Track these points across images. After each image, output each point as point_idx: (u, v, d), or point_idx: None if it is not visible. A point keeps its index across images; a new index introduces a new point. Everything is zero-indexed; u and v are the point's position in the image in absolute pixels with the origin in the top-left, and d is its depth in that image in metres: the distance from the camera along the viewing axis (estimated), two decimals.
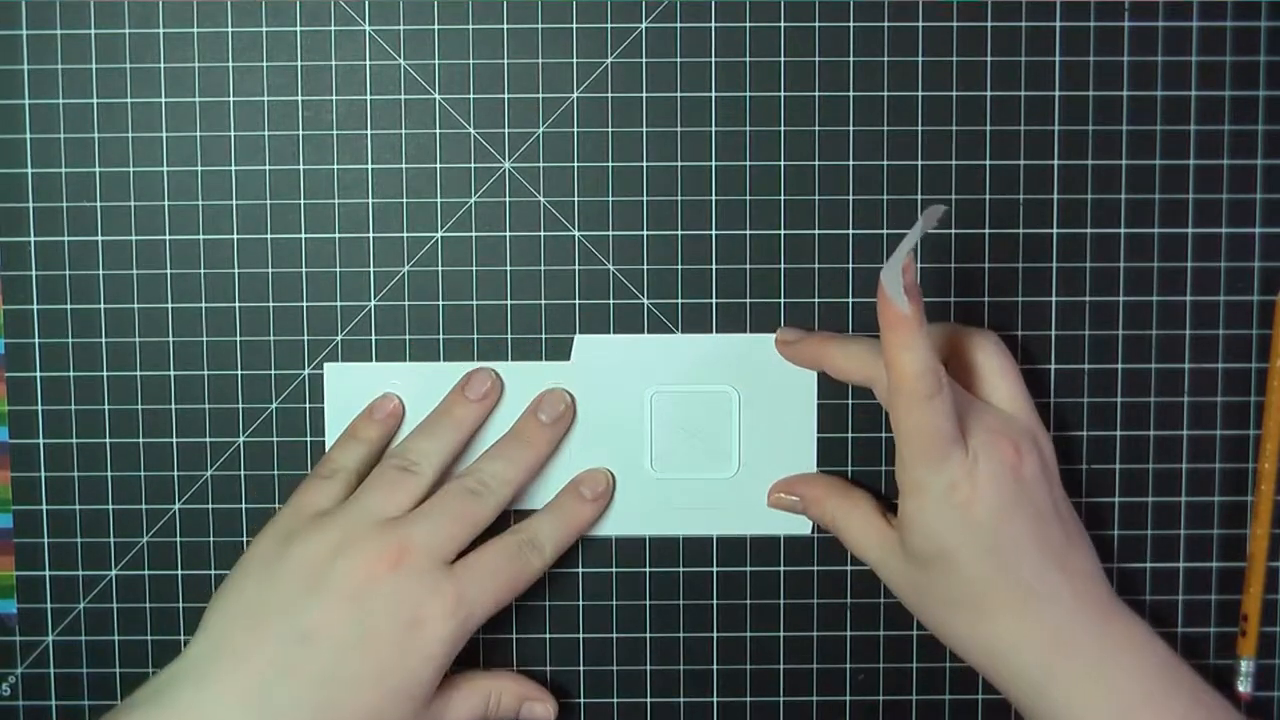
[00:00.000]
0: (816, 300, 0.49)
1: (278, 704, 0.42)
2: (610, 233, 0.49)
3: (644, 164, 0.49)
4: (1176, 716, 0.43)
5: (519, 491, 0.48)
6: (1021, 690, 0.44)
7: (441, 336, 0.49)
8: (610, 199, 0.49)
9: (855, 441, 0.50)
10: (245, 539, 0.50)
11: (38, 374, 0.49)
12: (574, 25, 0.49)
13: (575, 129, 0.49)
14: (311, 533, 0.45)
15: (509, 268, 0.49)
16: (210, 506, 0.50)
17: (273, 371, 0.49)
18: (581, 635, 0.50)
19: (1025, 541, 0.43)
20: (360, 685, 0.43)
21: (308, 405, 0.49)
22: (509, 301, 0.49)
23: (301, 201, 0.49)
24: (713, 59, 0.49)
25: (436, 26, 0.49)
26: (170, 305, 0.49)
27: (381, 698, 0.43)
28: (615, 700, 0.50)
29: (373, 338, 0.49)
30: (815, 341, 0.48)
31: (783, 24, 0.49)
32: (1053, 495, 0.45)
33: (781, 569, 0.50)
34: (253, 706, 0.42)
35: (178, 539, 0.50)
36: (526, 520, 0.48)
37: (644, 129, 0.49)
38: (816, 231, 0.49)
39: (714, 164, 0.49)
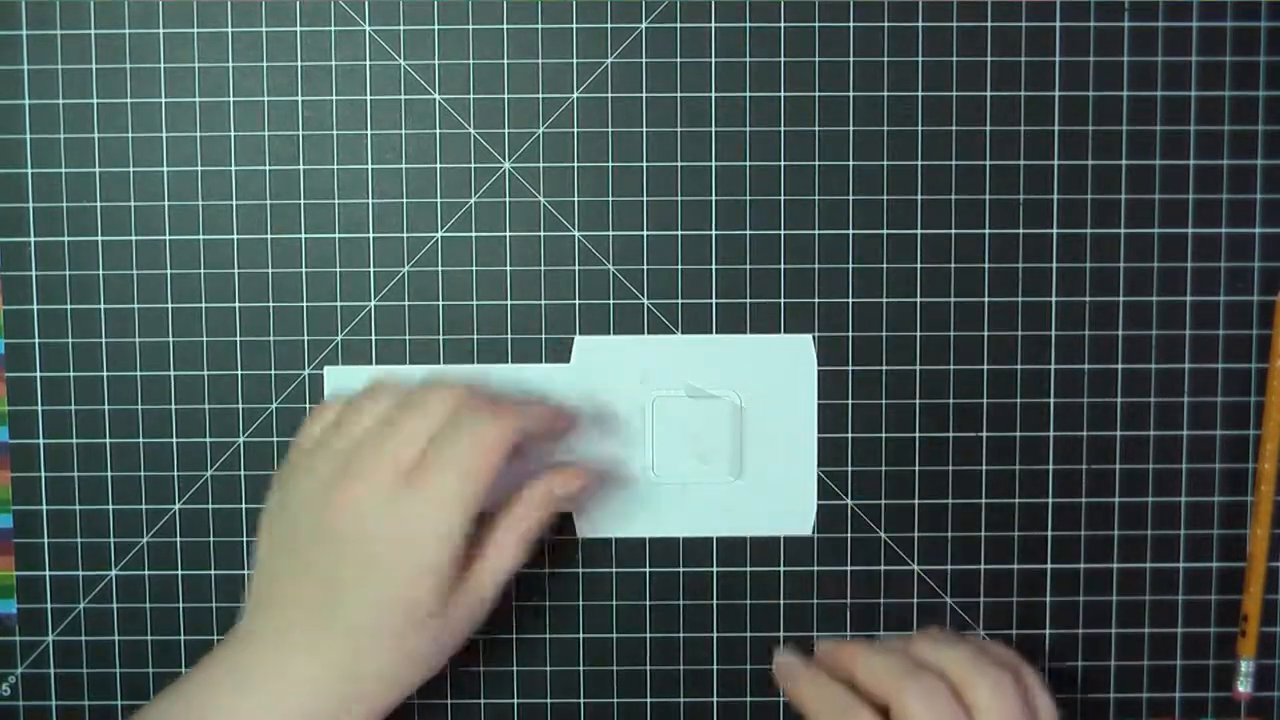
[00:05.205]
0: (816, 300, 0.49)
1: (326, 645, 0.43)
2: (610, 233, 0.49)
3: (644, 164, 0.49)
4: None
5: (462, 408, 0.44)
6: None
7: (441, 337, 0.49)
8: (610, 199, 0.49)
9: (855, 441, 0.50)
10: (245, 539, 0.50)
11: (38, 374, 0.49)
12: (574, 25, 0.49)
13: (575, 129, 0.49)
14: (295, 481, 0.44)
15: (509, 268, 0.49)
16: (210, 506, 0.50)
17: (273, 372, 0.49)
18: (581, 635, 0.50)
19: None
20: (377, 624, 0.42)
21: (308, 406, 0.49)
22: (509, 302, 0.49)
23: (301, 201, 0.49)
24: (713, 59, 0.49)
25: (436, 26, 0.49)
26: (170, 305, 0.49)
27: (404, 631, 0.43)
28: (615, 700, 0.50)
29: (373, 338, 0.49)
30: (796, 676, 0.47)
31: (783, 24, 0.49)
32: None
33: (781, 569, 0.50)
34: (307, 652, 0.43)
35: (178, 539, 0.50)
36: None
37: (644, 129, 0.49)
38: (816, 231, 0.49)
39: (714, 164, 0.49)
